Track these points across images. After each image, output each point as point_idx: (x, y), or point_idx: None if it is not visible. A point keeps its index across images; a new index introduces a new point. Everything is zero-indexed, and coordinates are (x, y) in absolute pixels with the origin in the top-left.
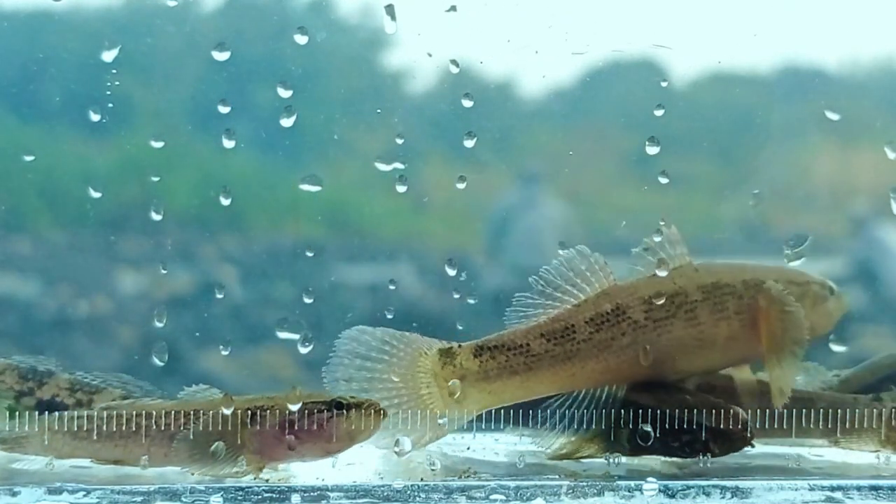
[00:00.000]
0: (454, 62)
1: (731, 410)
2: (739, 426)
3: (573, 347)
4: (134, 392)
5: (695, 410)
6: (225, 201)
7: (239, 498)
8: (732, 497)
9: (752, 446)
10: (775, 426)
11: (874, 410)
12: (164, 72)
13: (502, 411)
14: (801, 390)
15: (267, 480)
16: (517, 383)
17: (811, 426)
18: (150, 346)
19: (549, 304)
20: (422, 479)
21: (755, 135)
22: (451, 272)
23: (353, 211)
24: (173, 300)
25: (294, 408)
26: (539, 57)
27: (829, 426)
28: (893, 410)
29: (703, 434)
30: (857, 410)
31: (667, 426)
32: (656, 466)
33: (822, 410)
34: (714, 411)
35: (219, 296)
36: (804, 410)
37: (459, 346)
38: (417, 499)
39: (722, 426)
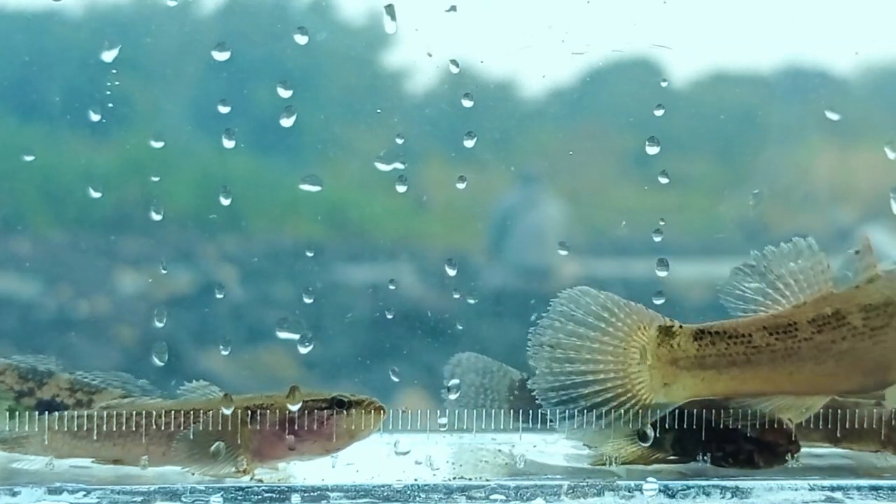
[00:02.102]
0: (454, 62)
1: (777, 422)
2: (784, 438)
3: (794, 345)
4: (133, 391)
5: (739, 420)
6: (225, 201)
7: (239, 498)
8: (732, 497)
9: (797, 460)
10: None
11: (875, 412)
12: (164, 72)
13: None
14: None
15: (261, 481)
16: (732, 375)
17: (811, 427)
18: (150, 346)
19: (767, 292)
20: (416, 479)
21: (755, 135)
22: (451, 272)
23: (353, 211)
24: (173, 300)
25: (294, 407)
26: (539, 57)
27: (830, 427)
28: (894, 412)
29: (747, 445)
30: (856, 412)
31: (709, 434)
32: (657, 466)
33: (822, 412)
34: (759, 422)
35: (219, 296)
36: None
37: (681, 325)
38: (417, 499)
39: (767, 438)
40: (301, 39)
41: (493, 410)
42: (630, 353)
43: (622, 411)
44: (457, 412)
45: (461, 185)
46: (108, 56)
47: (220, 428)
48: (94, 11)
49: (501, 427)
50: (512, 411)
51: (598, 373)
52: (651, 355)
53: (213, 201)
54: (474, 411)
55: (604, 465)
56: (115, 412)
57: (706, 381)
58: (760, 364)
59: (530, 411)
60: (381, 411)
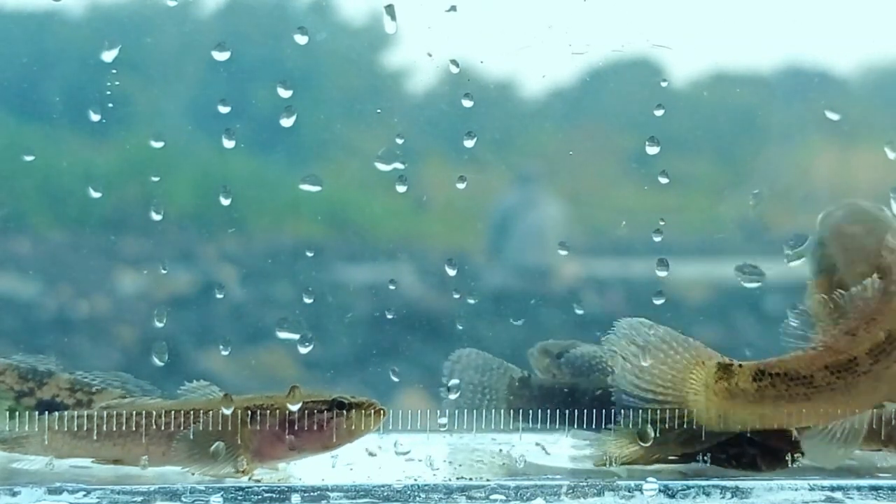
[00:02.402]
0: (454, 62)
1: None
2: (787, 443)
3: (854, 380)
4: (134, 391)
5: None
6: (225, 201)
7: (239, 498)
8: (732, 497)
9: (799, 463)
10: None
11: (874, 410)
12: (164, 72)
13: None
14: None
15: (259, 481)
16: (789, 411)
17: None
18: (150, 346)
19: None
20: (417, 479)
21: (755, 135)
22: (451, 272)
23: (353, 211)
24: (173, 300)
25: (294, 407)
26: (539, 57)
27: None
28: (894, 410)
29: (751, 448)
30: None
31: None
32: (657, 466)
33: None
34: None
35: (219, 296)
36: None
37: (740, 364)
38: (417, 499)
39: (770, 441)
40: (301, 39)
41: (493, 411)
42: (688, 385)
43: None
44: (457, 412)
45: (461, 185)
46: (108, 56)
47: (220, 428)
48: (94, 11)
49: (501, 427)
50: (512, 410)
51: (658, 395)
52: (708, 389)
53: (213, 201)
54: (474, 412)
55: (604, 465)
56: (115, 412)
57: (762, 417)
58: (819, 401)
59: (530, 411)
60: (381, 413)
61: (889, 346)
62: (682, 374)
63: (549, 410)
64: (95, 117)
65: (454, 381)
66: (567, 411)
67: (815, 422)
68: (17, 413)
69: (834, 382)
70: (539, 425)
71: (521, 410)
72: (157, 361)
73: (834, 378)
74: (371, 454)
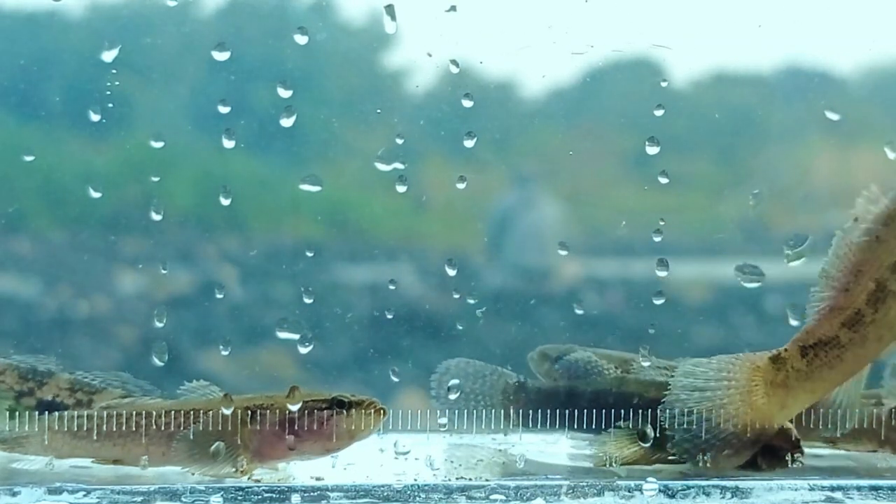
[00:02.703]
0: (454, 62)
1: (782, 426)
2: (787, 442)
3: (864, 331)
4: (134, 391)
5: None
6: (225, 201)
7: (239, 498)
8: (732, 497)
9: (801, 464)
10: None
11: (873, 411)
12: (164, 72)
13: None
14: None
15: (258, 481)
16: (831, 377)
17: (810, 427)
18: (150, 346)
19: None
20: (417, 479)
21: (755, 135)
22: (451, 272)
23: (353, 211)
24: (173, 300)
25: (294, 407)
26: (539, 57)
27: (830, 426)
28: (893, 411)
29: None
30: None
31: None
32: (657, 466)
33: (822, 411)
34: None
35: (219, 296)
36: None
37: (785, 349)
38: (417, 499)
39: (770, 441)
40: (301, 39)
41: (493, 413)
42: (755, 390)
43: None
44: (457, 412)
45: (461, 185)
46: (108, 56)
47: (220, 428)
48: (94, 11)
49: (501, 427)
50: (511, 414)
51: (733, 415)
52: (770, 385)
53: (213, 201)
54: (474, 412)
55: (604, 465)
56: (115, 412)
57: (812, 391)
58: (846, 360)
59: (529, 414)
60: (382, 412)
61: (881, 293)
62: (746, 387)
63: (546, 414)
64: (95, 117)
65: (454, 382)
66: (566, 414)
67: (840, 382)
68: (17, 413)
69: (853, 337)
70: (537, 427)
71: (518, 415)
72: (157, 361)
73: (852, 333)
74: (371, 454)
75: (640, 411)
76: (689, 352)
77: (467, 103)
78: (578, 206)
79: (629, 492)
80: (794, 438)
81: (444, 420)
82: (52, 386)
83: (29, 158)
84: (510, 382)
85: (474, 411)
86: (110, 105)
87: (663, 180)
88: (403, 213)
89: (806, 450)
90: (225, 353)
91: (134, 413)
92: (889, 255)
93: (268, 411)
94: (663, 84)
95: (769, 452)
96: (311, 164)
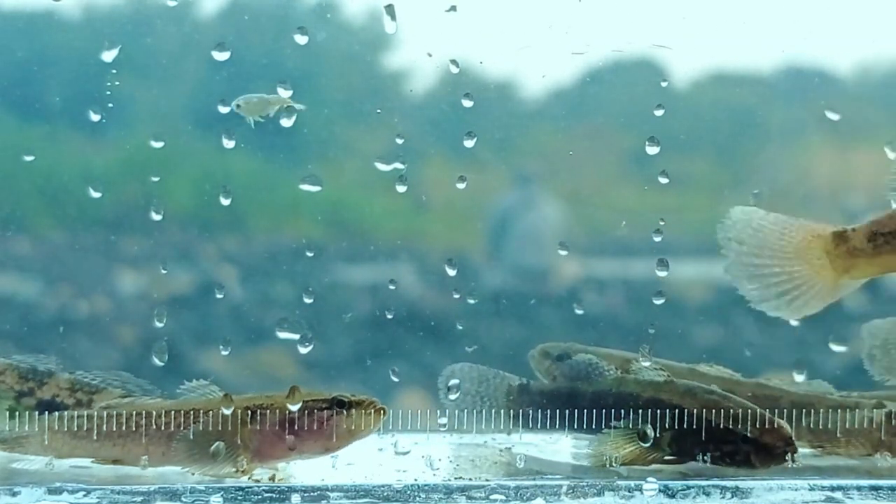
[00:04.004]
0: (454, 62)
1: (775, 424)
2: (781, 440)
3: None
4: (134, 391)
5: (737, 421)
6: (225, 201)
7: (239, 498)
8: (732, 497)
9: (794, 462)
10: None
11: (873, 414)
12: (164, 72)
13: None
14: (800, 393)
15: (258, 481)
16: (890, 262)
17: (807, 429)
18: (150, 346)
19: None
20: (417, 479)
21: (755, 135)
22: (451, 272)
23: (353, 211)
24: (173, 300)
25: (294, 407)
26: (539, 57)
27: (829, 428)
28: (893, 414)
29: (745, 445)
30: (855, 413)
31: (707, 433)
32: (657, 466)
33: (821, 413)
34: (756, 424)
35: (219, 296)
36: (805, 413)
37: (853, 229)
38: (417, 499)
39: (764, 439)
40: (301, 39)
41: (493, 413)
42: (811, 252)
43: (811, 294)
44: (457, 413)
45: (461, 185)
46: (108, 56)
47: (220, 428)
48: (93, 11)
49: (502, 428)
50: (513, 415)
51: (784, 266)
52: (829, 254)
53: (213, 201)
54: (474, 412)
55: (602, 465)
56: (115, 412)
57: (880, 265)
58: None
59: (531, 416)
60: (382, 412)
61: None
62: (803, 245)
63: (550, 415)
64: (95, 117)
65: (454, 382)
66: (567, 414)
67: None
68: (17, 413)
69: None
70: (540, 428)
71: (522, 416)
72: (157, 361)
73: None
74: (371, 454)
75: (640, 411)
76: (689, 352)
77: (467, 103)
78: (578, 206)
79: (629, 492)
80: (788, 436)
81: (444, 420)
82: (52, 386)
83: (29, 158)
84: (513, 385)
85: (474, 411)
86: (110, 105)
87: (663, 180)
88: (403, 213)
89: (806, 450)
90: (225, 353)
91: (134, 413)
92: None
93: (268, 411)
94: (663, 84)
95: (763, 450)
96: (311, 164)
